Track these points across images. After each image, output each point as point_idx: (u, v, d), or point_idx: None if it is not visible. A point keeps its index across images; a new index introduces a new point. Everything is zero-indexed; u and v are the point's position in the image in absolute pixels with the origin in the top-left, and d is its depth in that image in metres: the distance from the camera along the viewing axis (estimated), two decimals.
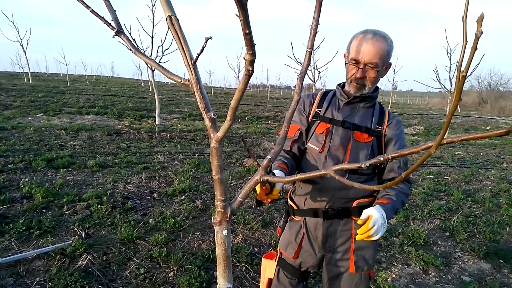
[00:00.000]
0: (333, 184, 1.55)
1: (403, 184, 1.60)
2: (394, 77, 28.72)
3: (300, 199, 1.68)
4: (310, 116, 1.66)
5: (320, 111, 1.64)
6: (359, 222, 1.36)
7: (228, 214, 1.06)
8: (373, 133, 1.57)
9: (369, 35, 1.45)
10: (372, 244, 1.63)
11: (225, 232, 1.07)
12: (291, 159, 1.63)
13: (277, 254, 1.77)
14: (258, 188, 1.34)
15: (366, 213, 1.37)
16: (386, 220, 1.38)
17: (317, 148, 1.59)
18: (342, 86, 1.65)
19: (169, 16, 0.86)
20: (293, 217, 1.71)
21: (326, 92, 1.72)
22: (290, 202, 1.73)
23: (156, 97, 11.41)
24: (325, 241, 1.61)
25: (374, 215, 1.34)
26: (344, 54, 1.59)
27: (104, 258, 3.07)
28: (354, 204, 1.58)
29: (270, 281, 1.77)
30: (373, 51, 1.43)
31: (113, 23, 0.98)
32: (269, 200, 1.39)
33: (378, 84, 1.63)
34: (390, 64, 1.56)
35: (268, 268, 1.78)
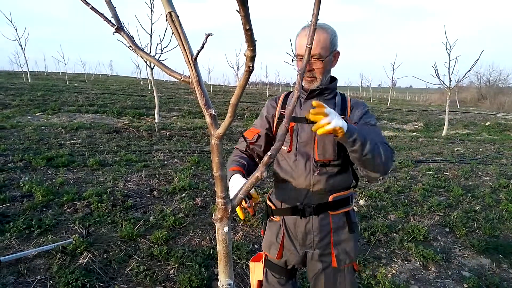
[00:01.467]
0: (307, 181, 1.56)
1: None
2: (393, 74, 28.74)
3: (278, 198, 1.69)
4: (276, 118, 1.68)
5: (284, 112, 1.64)
6: (314, 103, 1.23)
7: (229, 211, 1.06)
8: None
9: (308, 29, 1.46)
10: (353, 237, 1.64)
11: (226, 229, 1.07)
12: (247, 157, 1.67)
13: (263, 256, 1.78)
14: (240, 210, 1.46)
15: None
16: (345, 123, 1.27)
17: (286, 148, 1.60)
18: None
19: (169, 13, 0.85)
20: (272, 217, 1.71)
21: (289, 93, 1.73)
22: (269, 202, 1.75)
23: (155, 95, 11.41)
24: (305, 238, 1.62)
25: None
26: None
27: (105, 256, 3.07)
28: (330, 199, 1.59)
29: (260, 283, 1.77)
30: (314, 43, 1.42)
31: (113, 20, 0.98)
32: (253, 208, 1.45)
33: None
34: (338, 52, 1.57)
35: (256, 270, 1.78)
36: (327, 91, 1.61)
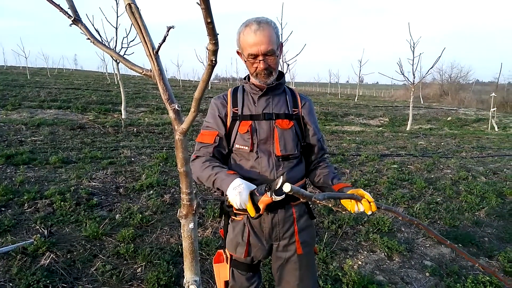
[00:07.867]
0: (271, 177, 1.56)
1: (327, 159, 1.79)
2: (360, 70, 29.36)
3: None
4: (229, 117, 1.62)
5: (237, 110, 1.62)
6: (370, 200, 1.48)
7: (194, 207, 1.05)
8: (293, 116, 1.63)
9: (254, 26, 1.45)
10: (312, 223, 1.74)
11: (191, 225, 1.06)
12: (220, 162, 1.61)
13: (225, 256, 1.75)
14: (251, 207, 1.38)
15: (354, 193, 1.49)
16: None
17: (246, 148, 1.57)
18: (248, 79, 1.65)
19: (129, 4, 0.83)
20: (234, 217, 1.68)
21: (235, 90, 1.69)
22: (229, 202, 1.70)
23: (121, 90, 11.13)
24: (271, 232, 1.64)
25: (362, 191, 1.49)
26: (237, 51, 1.59)
27: (68, 256, 2.98)
28: None
29: (226, 283, 1.76)
30: (266, 40, 1.45)
31: (69, 11, 0.94)
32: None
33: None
34: (282, 44, 1.59)
35: (222, 272, 1.76)
36: (279, 86, 1.64)
